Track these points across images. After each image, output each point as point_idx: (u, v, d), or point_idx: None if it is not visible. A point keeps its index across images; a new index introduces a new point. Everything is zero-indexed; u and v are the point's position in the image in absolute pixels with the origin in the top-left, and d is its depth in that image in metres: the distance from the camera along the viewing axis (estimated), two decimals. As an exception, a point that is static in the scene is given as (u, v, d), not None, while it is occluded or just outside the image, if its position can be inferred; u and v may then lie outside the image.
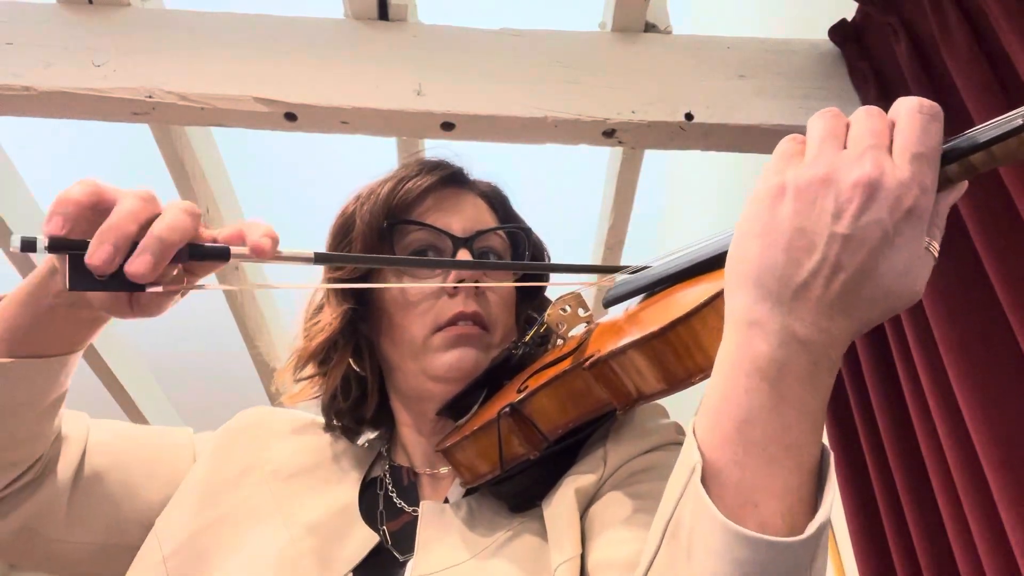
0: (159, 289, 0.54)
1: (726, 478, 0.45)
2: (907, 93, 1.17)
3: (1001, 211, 1.03)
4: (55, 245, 0.52)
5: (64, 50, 1.31)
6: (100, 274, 0.52)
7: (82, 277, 0.52)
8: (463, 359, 0.78)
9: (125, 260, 0.53)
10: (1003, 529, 1.02)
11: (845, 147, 0.46)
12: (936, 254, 0.46)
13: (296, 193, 2.61)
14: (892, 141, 0.46)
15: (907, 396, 1.24)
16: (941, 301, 1.11)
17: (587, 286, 0.75)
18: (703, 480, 0.46)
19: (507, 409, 0.69)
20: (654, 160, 1.80)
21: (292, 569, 0.71)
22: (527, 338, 0.79)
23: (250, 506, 0.77)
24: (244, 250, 0.57)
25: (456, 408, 0.79)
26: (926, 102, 0.45)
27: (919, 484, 1.22)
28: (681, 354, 0.57)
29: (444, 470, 0.82)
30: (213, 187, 1.67)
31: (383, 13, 1.39)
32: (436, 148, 0.92)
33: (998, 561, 1.02)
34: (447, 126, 1.33)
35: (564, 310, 0.76)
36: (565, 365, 0.67)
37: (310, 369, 0.85)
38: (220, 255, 0.56)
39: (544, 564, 0.68)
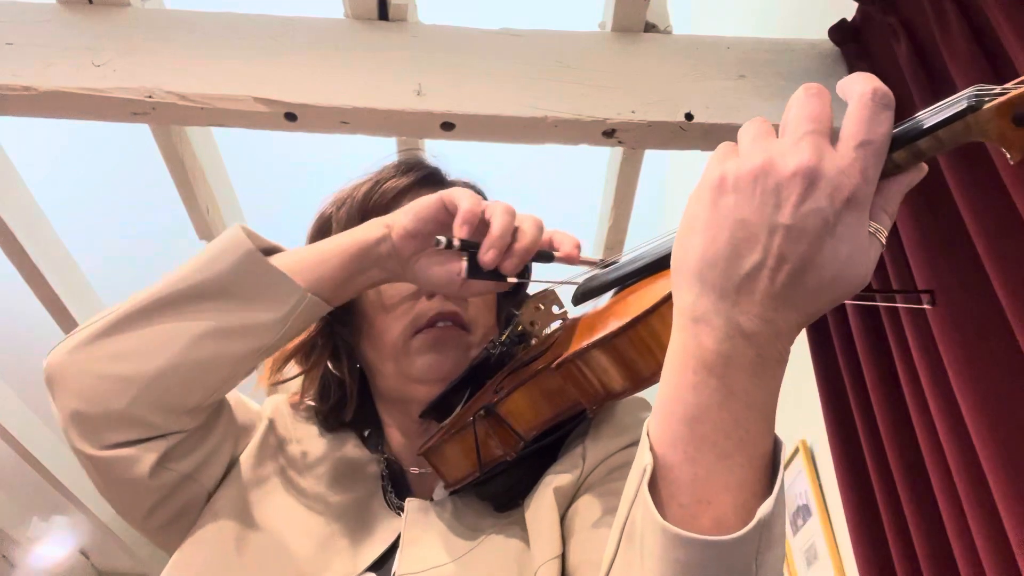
0: (514, 281, 0.70)
1: (678, 475, 0.45)
2: (907, 93, 1.18)
3: (1001, 212, 1.03)
4: (464, 245, 0.68)
5: (64, 50, 1.31)
6: (486, 268, 0.69)
7: (473, 269, 0.69)
8: (442, 360, 0.78)
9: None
10: (1003, 529, 1.02)
11: (782, 134, 0.45)
12: (883, 240, 0.45)
13: (296, 193, 2.60)
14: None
15: (907, 396, 1.23)
16: (941, 301, 1.11)
17: (562, 284, 0.75)
18: (658, 480, 0.46)
19: (482, 411, 0.69)
20: (654, 160, 1.80)
21: (329, 547, 0.73)
22: (504, 337, 0.78)
23: (287, 476, 0.80)
24: (559, 253, 0.73)
25: (439, 409, 0.79)
26: (880, 89, 0.44)
27: (919, 484, 1.22)
28: (643, 351, 0.57)
29: (430, 469, 0.82)
30: (213, 187, 1.67)
31: (383, 13, 1.39)
32: (440, 147, 0.92)
33: (998, 561, 1.02)
34: (447, 126, 1.33)
35: (538, 308, 0.76)
36: (538, 365, 0.67)
37: (288, 371, 0.85)
38: (549, 258, 0.72)
39: (526, 564, 0.68)
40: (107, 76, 1.29)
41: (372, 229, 0.73)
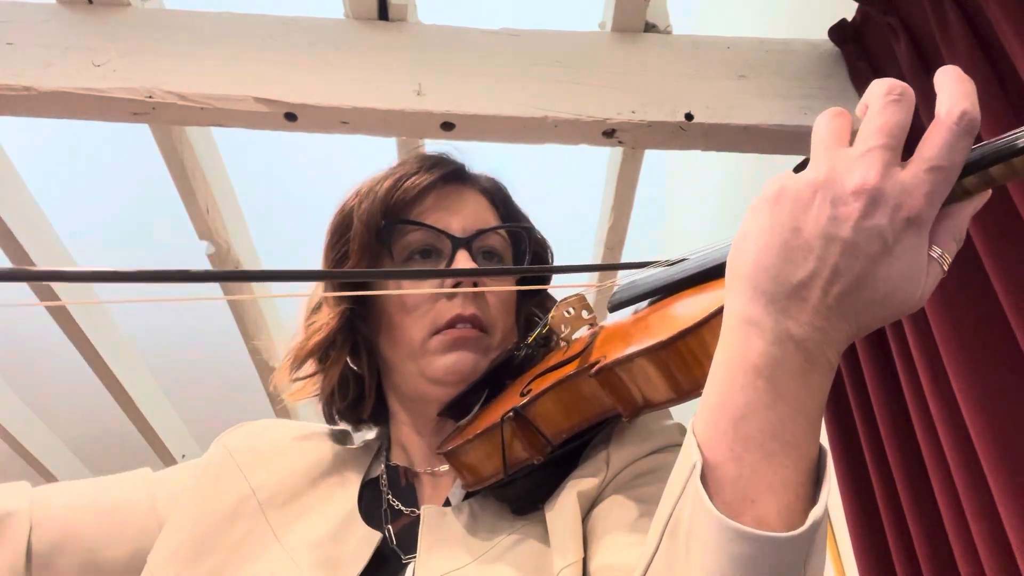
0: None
1: (723, 474, 0.45)
2: (907, 93, 1.18)
3: (1001, 212, 1.03)
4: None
5: (64, 50, 1.31)
6: None
7: None
8: (461, 362, 0.77)
9: None
10: (1003, 529, 1.02)
11: (852, 142, 0.45)
12: (946, 266, 0.45)
13: (296, 193, 2.60)
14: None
15: (907, 396, 1.23)
16: (941, 301, 1.11)
17: (589, 287, 0.75)
18: (702, 478, 0.46)
19: (511, 413, 0.68)
20: (654, 160, 1.80)
21: None
22: (530, 339, 0.78)
23: (249, 543, 0.75)
24: None
25: (457, 409, 0.78)
26: (968, 112, 0.43)
27: (919, 484, 1.22)
28: (690, 364, 0.56)
29: (444, 469, 0.81)
30: (213, 187, 1.67)
31: (383, 13, 1.39)
32: (441, 146, 0.91)
33: (998, 561, 1.02)
34: (447, 126, 1.33)
35: (568, 312, 0.75)
36: (569, 370, 0.66)
37: (307, 368, 0.85)
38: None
39: (547, 568, 0.67)
40: (107, 76, 1.29)
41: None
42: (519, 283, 0.87)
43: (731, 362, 0.47)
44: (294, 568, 0.71)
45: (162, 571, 0.73)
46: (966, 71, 1.15)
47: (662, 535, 0.50)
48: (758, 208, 0.47)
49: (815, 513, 0.44)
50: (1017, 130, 0.44)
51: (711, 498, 0.45)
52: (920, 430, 1.20)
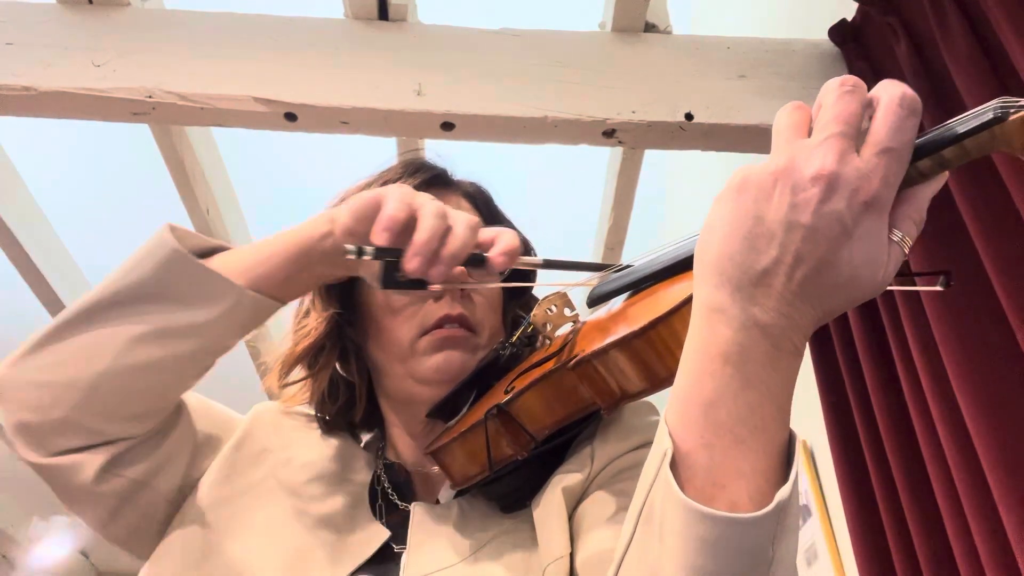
0: (438, 288, 0.64)
1: (694, 461, 0.46)
2: (907, 93, 1.18)
3: (1001, 211, 1.03)
4: (380, 253, 0.62)
5: (64, 50, 1.31)
6: (409, 277, 0.63)
7: (390, 278, 0.64)
8: (449, 362, 0.78)
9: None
10: (1003, 529, 1.02)
11: (810, 132, 0.46)
12: (906, 249, 0.46)
13: (296, 193, 2.60)
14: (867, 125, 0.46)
15: (907, 396, 1.23)
16: (941, 302, 1.11)
17: (572, 286, 0.75)
18: (675, 465, 0.47)
19: (494, 410, 0.69)
20: (654, 160, 1.80)
21: (303, 559, 0.72)
22: (514, 338, 0.79)
23: (266, 487, 0.79)
24: (495, 259, 0.66)
25: (446, 410, 0.79)
26: (908, 94, 0.45)
27: (919, 484, 1.22)
28: (662, 352, 0.57)
29: (435, 470, 0.82)
30: (213, 187, 1.67)
31: (383, 13, 1.39)
32: (442, 147, 0.91)
33: (998, 561, 1.02)
34: (447, 126, 1.33)
35: (550, 310, 0.76)
36: (550, 365, 0.67)
37: (297, 373, 0.85)
38: (480, 262, 0.67)
39: (534, 564, 0.68)
40: (107, 76, 1.29)
41: (317, 225, 0.70)
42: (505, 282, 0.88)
43: (699, 350, 0.47)
44: (303, 534, 0.74)
45: (203, 481, 0.79)
46: (966, 71, 1.15)
47: (637, 522, 0.51)
48: (723, 198, 0.48)
49: (781, 493, 0.45)
50: (965, 113, 0.45)
51: (682, 485, 0.46)
52: (920, 430, 1.20)
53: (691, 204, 2.71)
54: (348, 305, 0.85)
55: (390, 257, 0.63)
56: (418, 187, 0.84)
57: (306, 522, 0.75)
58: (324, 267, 0.71)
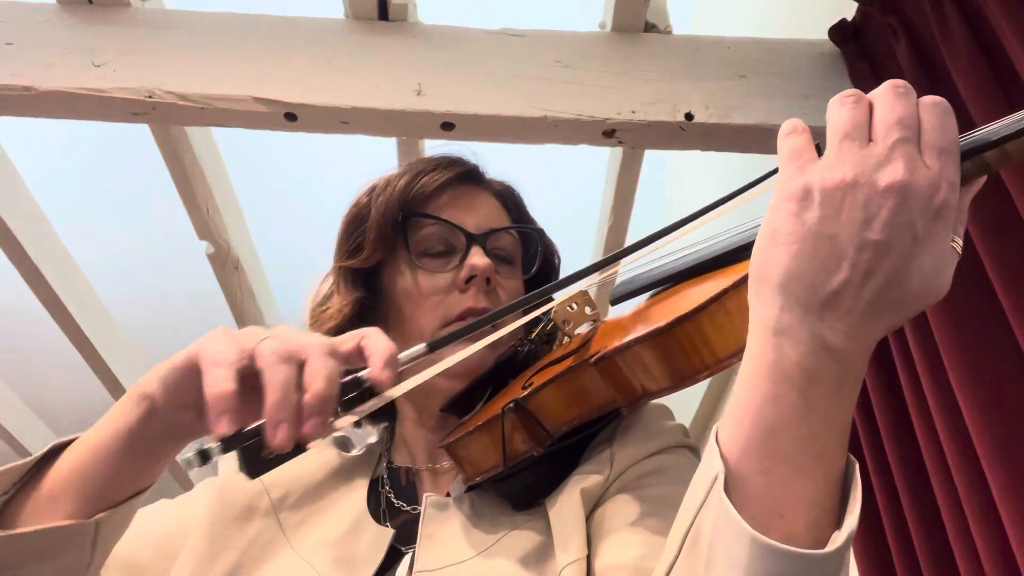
0: (320, 441, 0.51)
1: (750, 487, 0.44)
2: (907, 93, 1.18)
3: (1001, 212, 1.03)
4: (230, 444, 0.49)
5: (64, 50, 1.31)
6: (278, 452, 0.49)
7: (255, 462, 0.52)
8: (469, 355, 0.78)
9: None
10: (1003, 529, 1.02)
11: (871, 138, 0.44)
12: (960, 250, 0.45)
13: (296, 193, 2.61)
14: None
15: (907, 397, 1.23)
16: (941, 301, 1.11)
17: (589, 284, 0.75)
18: (728, 489, 0.45)
19: (511, 405, 0.68)
20: (654, 160, 1.80)
21: None
22: (533, 335, 0.78)
23: (261, 544, 0.75)
24: (379, 377, 0.53)
25: (461, 404, 0.79)
26: (939, 98, 0.45)
27: (919, 484, 1.22)
28: (688, 351, 0.56)
29: (446, 465, 0.81)
30: (213, 187, 1.67)
31: (383, 13, 1.39)
32: (445, 146, 0.91)
33: (998, 561, 1.02)
34: (447, 126, 1.33)
35: (571, 308, 0.76)
36: (571, 361, 0.66)
37: None
38: (362, 391, 0.54)
39: (549, 564, 0.67)
40: (107, 76, 1.29)
41: (128, 410, 0.57)
42: (528, 284, 0.88)
43: (760, 372, 0.45)
44: (309, 569, 0.71)
45: (180, 571, 0.72)
46: (966, 71, 1.15)
47: (682, 544, 0.48)
48: (782, 208, 0.45)
49: (847, 528, 0.43)
50: (1006, 117, 0.45)
51: (737, 511, 0.44)
52: (920, 430, 1.20)
53: (691, 205, 2.70)
54: (373, 290, 0.85)
55: (246, 443, 0.49)
56: (452, 180, 0.85)
57: (311, 556, 0.72)
58: (172, 442, 0.59)
